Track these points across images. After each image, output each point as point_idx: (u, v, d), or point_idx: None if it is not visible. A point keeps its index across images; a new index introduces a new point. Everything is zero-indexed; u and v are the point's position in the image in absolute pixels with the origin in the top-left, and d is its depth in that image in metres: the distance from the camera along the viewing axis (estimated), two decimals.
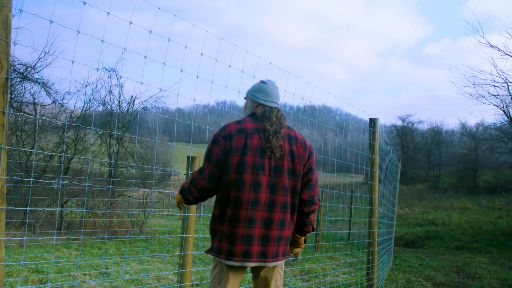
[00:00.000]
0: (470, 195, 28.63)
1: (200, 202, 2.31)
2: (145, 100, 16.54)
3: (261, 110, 2.25)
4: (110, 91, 15.16)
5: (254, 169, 2.09)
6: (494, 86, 20.16)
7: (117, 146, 15.88)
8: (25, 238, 3.29)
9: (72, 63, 2.37)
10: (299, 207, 2.24)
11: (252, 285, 2.35)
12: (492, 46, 15.34)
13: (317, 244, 9.51)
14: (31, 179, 4.28)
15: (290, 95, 3.75)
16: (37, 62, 11.05)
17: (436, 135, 40.82)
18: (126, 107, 16.14)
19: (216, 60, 3.18)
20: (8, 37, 1.65)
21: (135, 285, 5.17)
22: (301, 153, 2.20)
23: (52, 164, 13.29)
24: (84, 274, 6.08)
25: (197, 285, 4.89)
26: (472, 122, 65.03)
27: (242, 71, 3.33)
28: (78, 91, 14.00)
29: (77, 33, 2.32)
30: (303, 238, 2.40)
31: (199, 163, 4.66)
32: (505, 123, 19.89)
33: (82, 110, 14.20)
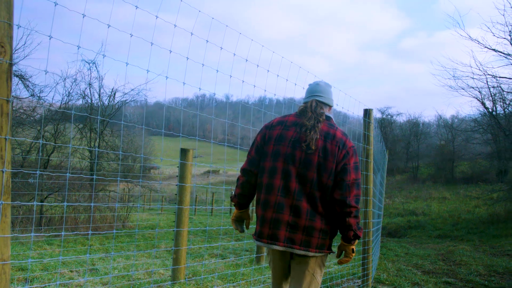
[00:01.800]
0: (448, 185, 29.30)
1: (246, 192, 2.40)
2: (126, 93, 16.22)
3: (302, 107, 2.39)
4: (90, 84, 14.80)
5: (286, 159, 2.20)
6: (473, 78, 20.56)
7: (97, 140, 15.53)
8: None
9: (50, 38, 2.23)
10: (333, 206, 2.23)
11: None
12: (472, 39, 15.63)
13: None
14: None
15: (269, 91, 3.68)
16: (14, 53, 10.65)
17: (414, 127, 41.55)
18: (107, 100, 15.78)
19: (187, 58, 3.07)
20: (11, 19, 1.53)
21: (126, 281, 5.04)
22: (335, 152, 2.21)
23: (30, 158, 12.93)
24: (71, 271, 5.92)
25: (190, 281, 4.80)
26: (448, 114, 66.49)
27: (235, 56, 3.25)
28: (56, 84, 13.60)
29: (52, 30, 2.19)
30: (350, 246, 2.30)
31: (191, 156, 4.57)
32: (483, 114, 20.36)
33: (61, 103, 13.82)
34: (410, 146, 39.17)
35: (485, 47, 15.45)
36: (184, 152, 4.39)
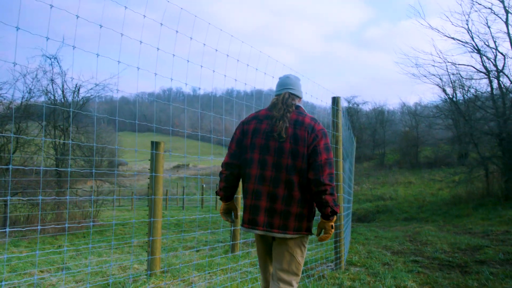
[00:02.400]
0: (413, 170, 30.25)
1: (230, 184, 2.55)
2: (91, 89, 15.79)
3: (274, 99, 2.57)
4: (52, 80, 14.31)
5: (261, 150, 2.40)
6: (434, 66, 21.20)
7: (62, 138, 15.08)
8: None
9: (17, 29, 2.18)
10: (309, 187, 2.37)
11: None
12: (432, 28, 16.13)
13: None
14: None
15: (240, 80, 3.72)
16: None
17: (379, 115, 42.52)
18: (71, 97, 15.31)
19: (158, 49, 3.07)
20: None
21: (101, 277, 4.99)
22: (305, 136, 2.36)
23: None
24: (42, 271, 5.79)
25: (166, 272, 4.81)
26: (411, 101, 68.40)
27: (204, 47, 3.26)
28: (16, 80, 13.07)
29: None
30: (329, 223, 2.41)
31: (163, 148, 4.55)
32: (444, 100, 21.10)
33: (22, 100, 13.31)
34: (376, 134, 40.11)
35: (445, 35, 16.00)
36: (155, 144, 4.37)
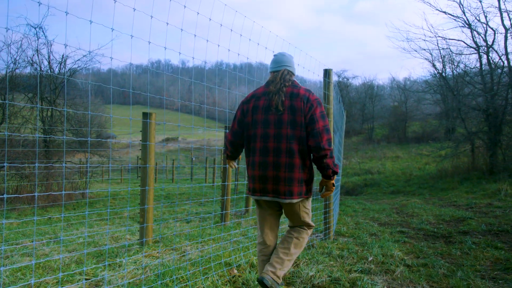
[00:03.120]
0: (400, 145, 30.63)
1: (236, 154, 2.94)
2: (78, 60, 15.49)
3: (271, 76, 2.75)
4: (37, 50, 13.98)
5: (263, 124, 2.60)
6: (424, 40, 21.19)
7: (49, 110, 14.88)
8: None
9: None
10: (312, 153, 2.61)
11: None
12: (424, 1, 16.00)
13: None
14: None
15: (233, 51, 3.69)
16: None
17: (369, 89, 42.58)
18: (57, 68, 15.01)
19: (151, 17, 3.02)
20: None
21: (93, 247, 5.05)
22: (301, 107, 2.56)
23: None
24: (31, 241, 5.83)
25: (156, 241, 4.88)
26: (401, 76, 68.47)
27: (198, 16, 3.22)
28: (0, 50, 12.74)
29: None
30: (329, 181, 2.69)
31: (155, 117, 4.54)
32: (433, 75, 21.18)
33: (6, 71, 13.04)
34: (366, 108, 40.27)
35: (436, 9, 15.91)
36: (146, 115, 4.36)
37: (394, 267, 3.65)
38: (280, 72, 2.72)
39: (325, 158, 2.54)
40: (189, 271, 3.21)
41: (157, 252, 4.04)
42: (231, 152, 2.91)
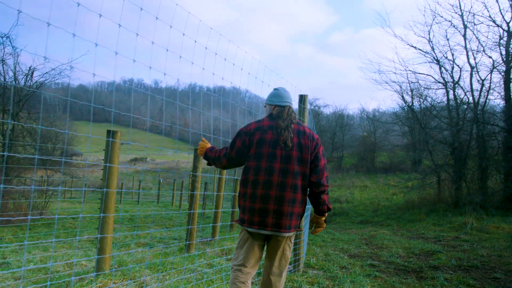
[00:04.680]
0: (369, 174, 31.02)
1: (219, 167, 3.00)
2: (46, 73, 14.95)
3: (277, 110, 2.80)
4: (3, 61, 13.40)
5: (268, 158, 2.62)
6: (395, 73, 21.79)
7: (11, 124, 14.19)
8: None
9: None
10: (310, 189, 2.71)
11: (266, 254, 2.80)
12: (396, 36, 16.52)
13: (231, 222, 9.51)
14: None
15: (200, 73, 3.55)
16: None
17: (339, 118, 43.36)
18: (23, 80, 14.42)
19: (137, 35, 2.84)
20: None
21: (43, 274, 4.62)
22: (308, 145, 2.68)
23: None
24: None
25: (116, 271, 4.51)
26: (371, 107, 70.30)
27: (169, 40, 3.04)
28: None
29: None
30: (322, 218, 2.79)
31: (119, 137, 4.26)
32: (402, 107, 21.72)
33: None
34: (336, 137, 40.84)
35: (407, 44, 16.45)
36: (111, 133, 4.08)
37: None
38: (286, 108, 2.81)
39: (323, 194, 2.67)
40: None
41: (114, 285, 3.69)
42: (211, 165, 3.00)
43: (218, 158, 2.89)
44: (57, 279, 4.20)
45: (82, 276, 4.16)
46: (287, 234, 2.62)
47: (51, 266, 5.26)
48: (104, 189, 4.03)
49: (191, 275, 4.06)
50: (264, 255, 2.81)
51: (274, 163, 2.61)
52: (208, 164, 3.04)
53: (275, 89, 2.96)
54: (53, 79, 14.96)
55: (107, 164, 3.94)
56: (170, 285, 3.61)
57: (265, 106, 2.98)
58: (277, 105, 2.83)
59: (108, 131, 4.14)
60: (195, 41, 3.18)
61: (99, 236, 4.10)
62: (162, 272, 4.28)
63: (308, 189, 2.74)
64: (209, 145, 3.08)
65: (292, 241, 2.80)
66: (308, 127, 2.83)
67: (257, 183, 2.61)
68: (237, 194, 2.83)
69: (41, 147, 15.56)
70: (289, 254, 2.77)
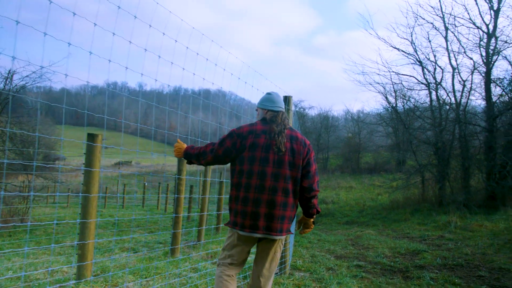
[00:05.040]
0: (354, 175, 31.20)
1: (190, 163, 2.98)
2: (27, 76, 14.64)
3: (270, 115, 2.82)
4: None
5: (261, 162, 2.63)
6: (379, 74, 22.00)
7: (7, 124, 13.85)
8: None
9: None
10: (301, 193, 2.74)
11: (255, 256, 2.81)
12: (379, 38, 16.66)
13: (218, 226, 9.43)
14: None
15: (183, 75, 3.51)
16: None
17: (324, 120, 43.57)
18: (3, 83, 14.09)
19: (135, 17, 2.76)
20: None
21: (23, 283, 4.48)
22: (301, 150, 2.71)
23: None
24: None
25: (99, 277, 4.40)
26: (355, 109, 70.91)
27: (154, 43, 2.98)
28: None
29: None
30: (311, 220, 2.90)
31: (100, 140, 4.15)
32: (386, 108, 21.92)
33: None
34: (321, 138, 40.98)
35: (391, 46, 16.59)
36: (91, 137, 3.98)
37: None
38: (280, 113, 2.84)
39: (313, 198, 2.76)
40: None
41: None
42: (197, 164, 2.94)
43: (203, 154, 2.83)
44: (37, 287, 4.07)
45: (63, 284, 4.04)
46: (278, 237, 2.64)
47: (32, 274, 5.10)
48: (80, 194, 3.92)
49: (175, 280, 3.97)
50: (253, 258, 2.82)
51: (267, 167, 2.63)
52: (189, 162, 2.98)
53: (267, 93, 2.97)
54: (34, 82, 14.62)
55: (87, 168, 3.84)
56: None
57: (256, 110, 3.00)
58: (270, 109, 2.85)
59: (89, 134, 4.04)
60: (176, 41, 3.11)
61: (77, 243, 3.99)
62: (145, 277, 4.19)
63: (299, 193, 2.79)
64: (185, 145, 3.03)
65: (283, 244, 2.82)
66: (301, 133, 2.87)
67: (250, 186, 2.63)
68: (228, 197, 2.79)
69: (22, 151, 15.22)
70: (279, 256, 2.81)
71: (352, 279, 4.59)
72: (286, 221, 2.66)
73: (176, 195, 5.82)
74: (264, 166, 2.63)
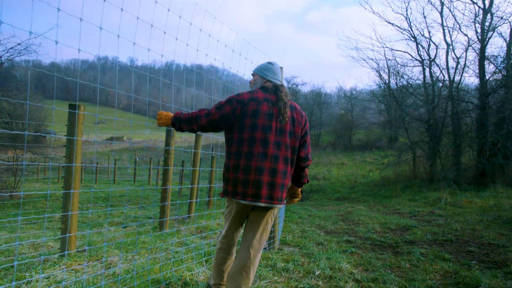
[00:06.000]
0: (346, 152, 31.30)
1: (190, 132, 2.78)
2: (12, 48, 14.19)
3: (270, 85, 2.76)
4: None
5: (263, 130, 2.58)
6: (372, 50, 21.76)
7: None
8: None
9: None
10: (297, 163, 2.79)
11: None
12: (374, 12, 16.35)
13: (209, 199, 9.36)
14: None
15: (179, 55, 3.35)
16: None
17: (317, 97, 43.35)
18: None
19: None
20: None
21: (5, 257, 4.38)
22: (300, 120, 2.73)
23: None
24: None
25: (83, 250, 4.31)
26: (348, 86, 70.63)
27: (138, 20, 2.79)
28: None
29: None
30: (299, 189, 2.96)
31: (83, 109, 3.98)
32: (379, 85, 21.78)
33: None
34: (313, 115, 40.86)
35: (385, 20, 16.40)
36: (73, 107, 3.81)
37: (343, 282, 3.37)
38: (280, 85, 2.79)
39: (306, 168, 2.85)
40: None
41: (80, 265, 3.49)
42: (188, 130, 2.77)
43: (196, 118, 2.70)
44: (21, 261, 3.98)
45: (47, 257, 3.95)
46: (279, 206, 2.65)
47: (17, 248, 5.01)
48: (61, 164, 3.78)
49: (161, 254, 3.89)
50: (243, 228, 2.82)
51: (269, 135, 2.59)
52: (179, 128, 2.80)
53: (269, 62, 2.89)
54: (19, 55, 14.19)
55: (67, 137, 3.69)
56: (138, 265, 3.44)
57: (253, 75, 2.90)
58: (271, 81, 2.79)
59: (70, 104, 3.87)
60: (168, 9, 2.94)
61: (62, 214, 3.88)
62: (131, 251, 4.10)
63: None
64: (171, 114, 2.87)
65: (275, 215, 2.83)
66: (297, 104, 2.85)
67: (252, 154, 2.57)
68: (225, 167, 2.68)
69: (11, 126, 14.93)
70: (269, 228, 2.77)
71: (342, 254, 4.55)
72: (285, 189, 2.68)
73: (163, 167, 5.71)
74: (266, 134, 2.59)
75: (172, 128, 3.10)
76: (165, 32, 3.24)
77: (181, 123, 2.76)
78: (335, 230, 6.58)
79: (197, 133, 2.87)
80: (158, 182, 18.09)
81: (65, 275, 3.17)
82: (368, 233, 6.09)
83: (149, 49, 3.24)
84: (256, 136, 2.58)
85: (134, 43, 3.11)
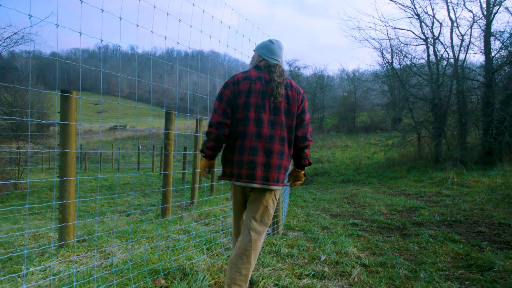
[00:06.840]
0: (349, 134, 31.08)
1: (219, 144, 2.57)
2: (8, 37, 13.98)
3: (264, 63, 2.65)
4: None
5: (257, 109, 2.50)
6: (375, 29, 21.35)
7: None
8: None
9: None
10: (295, 143, 2.64)
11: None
12: None
13: (213, 184, 9.26)
14: None
15: (180, 40, 3.21)
16: None
17: (319, 79, 42.89)
18: None
19: None
20: None
21: (4, 249, 4.29)
22: (296, 97, 2.60)
23: None
24: None
25: (83, 240, 4.21)
26: (350, 68, 69.94)
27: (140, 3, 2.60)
28: None
29: None
30: (302, 172, 2.81)
31: (76, 94, 3.83)
32: (382, 66, 21.43)
33: None
34: (316, 98, 40.49)
35: None
36: (65, 92, 3.66)
37: (350, 268, 3.25)
38: (278, 65, 2.67)
39: (306, 149, 2.66)
40: (110, 282, 2.62)
41: (76, 255, 3.39)
42: (215, 139, 2.52)
43: (209, 125, 2.55)
44: (18, 252, 3.88)
45: (44, 248, 3.85)
46: (275, 187, 2.54)
47: (16, 239, 4.92)
48: (56, 150, 3.65)
49: (162, 243, 3.78)
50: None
51: (263, 114, 2.52)
52: (213, 148, 2.58)
53: (270, 40, 2.77)
54: (16, 44, 13.98)
55: (59, 122, 3.54)
56: (137, 255, 3.33)
57: (254, 51, 2.83)
58: (265, 59, 2.68)
59: (62, 90, 3.71)
60: (167, 13, 2.78)
61: (59, 203, 3.76)
62: (132, 239, 3.99)
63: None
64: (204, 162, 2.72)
65: (277, 198, 2.69)
66: (294, 81, 2.73)
67: (246, 134, 2.50)
68: (223, 148, 2.65)
69: (13, 119, 14.81)
70: (272, 211, 2.65)
71: (348, 238, 4.43)
72: (283, 170, 2.56)
73: (164, 151, 5.58)
74: (260, 113, 2.51)
75: (173, 113, 2.92)
76: (167, 14, 3.12)
77: (204, 144, 2.62)
78: (341, 213, 6.45)
79: (225, 132, 2.53)
80: (162, 169, 18.03)
81: (62, 267, 3.07)
82: (374, 216, 5.96)
83: (152, 31, 3.12)
84: (249, 115, 2.50)
85: (137, 25, 2.99)
